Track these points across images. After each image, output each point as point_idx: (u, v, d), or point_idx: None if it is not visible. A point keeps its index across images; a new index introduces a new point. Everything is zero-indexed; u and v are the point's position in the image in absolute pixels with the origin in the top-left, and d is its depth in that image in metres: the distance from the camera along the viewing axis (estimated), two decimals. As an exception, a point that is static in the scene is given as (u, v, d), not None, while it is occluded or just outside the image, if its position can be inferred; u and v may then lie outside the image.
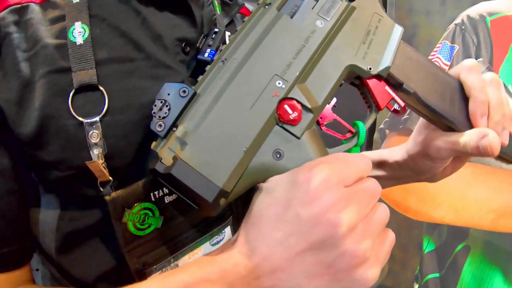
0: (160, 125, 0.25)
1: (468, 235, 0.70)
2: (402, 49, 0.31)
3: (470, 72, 0.31)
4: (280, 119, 0.25)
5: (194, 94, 0.25)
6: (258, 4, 0.28)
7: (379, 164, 0.40)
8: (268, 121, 0.25)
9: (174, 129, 0.24)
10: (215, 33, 0.33)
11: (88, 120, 0.28)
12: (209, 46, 0.32)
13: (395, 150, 0.40)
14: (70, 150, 0.29)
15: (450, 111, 0.31)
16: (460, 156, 0.35)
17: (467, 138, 0.30)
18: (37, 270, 0.39)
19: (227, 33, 0.34)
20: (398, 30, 0.31)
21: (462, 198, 0.70)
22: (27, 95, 0.29)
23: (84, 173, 0.28)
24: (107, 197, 0.28)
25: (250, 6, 0.44)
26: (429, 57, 0.84)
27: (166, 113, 0.25)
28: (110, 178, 0.28)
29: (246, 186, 0.25)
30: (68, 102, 0.28)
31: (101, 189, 0.28)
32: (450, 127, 0.33)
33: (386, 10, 0.90)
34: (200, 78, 0.26)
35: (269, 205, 0.23)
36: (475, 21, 0.75)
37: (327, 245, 0.21)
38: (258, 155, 0.25)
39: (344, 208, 0.21)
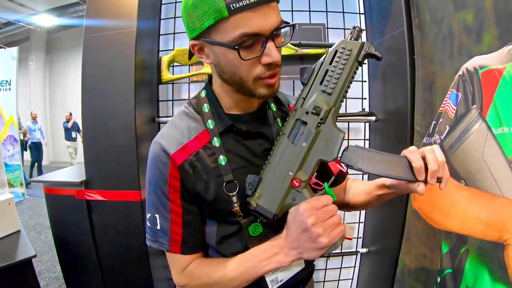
0: (249, 192, 0.60)
1: (467, 241, 0.89)
2: (352, 150, 0.58)
3: (411, 153, 0.56)
4: (292, 186, 0.58)
5: (261, 178, 0.60)
6: (279, 133, 0.61)
7: (381, 186, 0.69)
8: (288, 187, 0.59)
9: (254, 192, 0.60)
10: None
11: (231, 194, 0.61)
12: None
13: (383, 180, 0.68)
14: (226, 204, 0.62)
15: (394, 173, 0.56)
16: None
17: (414, 185, 0.56)
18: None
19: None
20: (340, 138, 0.57)
21: (464, 213, 0.90)
22: (208, 187, 0.62)
23: (231, 212, 0.61)
24: (241, 222, 0.61)
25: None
26: (443, 103, 1.03)
27: (251, 187, 0.60)
28: (242, 214, 0.61)
29: (283, 211, 0.59)
30: (223, 187, 0.61)
31: (238, 218, 0.62)
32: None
33: (414, 59, 1.13)
34: (262, 169, 0.61)
35: (291, 220, 0.57)
36: (471, 73, 0.89)
37: (305, 229, 0.54)
38: (286, 200, 0.59)
39: (309, 216, 0.54)
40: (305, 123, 0.59)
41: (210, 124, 0.63)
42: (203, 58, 0.61)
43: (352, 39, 0.60)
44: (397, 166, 0.56)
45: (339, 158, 0.59)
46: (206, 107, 0.65)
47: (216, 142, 0.62)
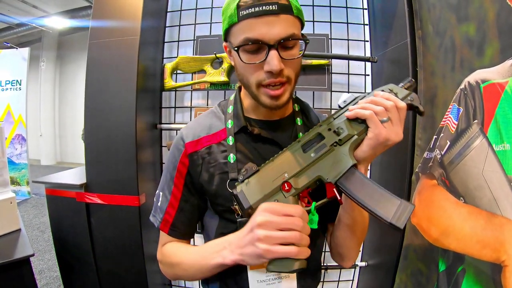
0: (241, 177, 0.59)
1: (464, 260, 0.86)
2: (352, 173, 0.56)
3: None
4: (282, 188, 0.57)
5: (258, 170, 0.59)
6: (294, 140, 0.61)
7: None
8: (277, 187, 0.57)
9: (245, 180, 0.59)
10: None
11: (232, 190, 0.60)
12: None
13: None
14: (226, 201, 0.64)
15: (372, 205, 0.55)
16: None
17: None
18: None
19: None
20: (349, 165, 0.56)
21: (461, 230, 0.88)
22: (212, 179, 0.66)
23: (230, 209, 0.63)
24: (238, 220, 0.61)
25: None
26: (444, 117, 1.02)
27: (245, 173, 0.59)
28: (240, 213, 0.60)
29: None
30: (226, 184, 0.63)
31: (236, 216, 0.62)
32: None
33: (417, 71, 1.12)
34: (262, 164, 0.60)
35: (251, 217, 0.55)
36: (473, 87, 0.87)
37: (251, 228, 0.53)
38: (269, 199, 0.57)
39: (261, 215, 0.52)
40: (323, 137, 0.60)
41: (229, 123, 0.69)
42: (231, 60, 0.66)
43: (403, 87, 0.63)
44: (381, 203, 0.55)
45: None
46: (230, 109, 0.71)
47: (230, 140, 0.67)
